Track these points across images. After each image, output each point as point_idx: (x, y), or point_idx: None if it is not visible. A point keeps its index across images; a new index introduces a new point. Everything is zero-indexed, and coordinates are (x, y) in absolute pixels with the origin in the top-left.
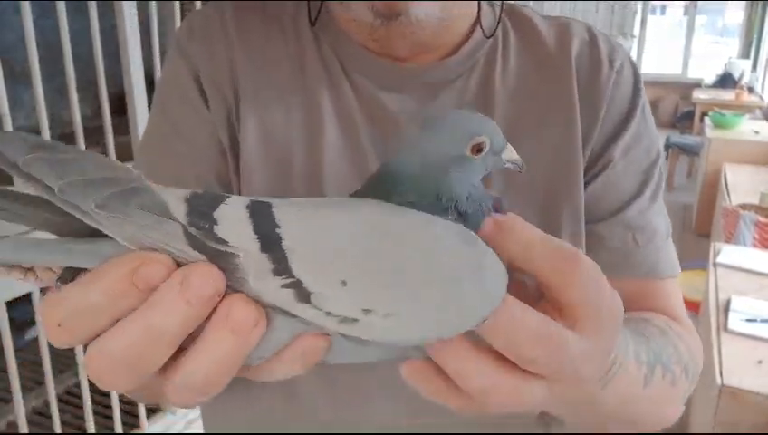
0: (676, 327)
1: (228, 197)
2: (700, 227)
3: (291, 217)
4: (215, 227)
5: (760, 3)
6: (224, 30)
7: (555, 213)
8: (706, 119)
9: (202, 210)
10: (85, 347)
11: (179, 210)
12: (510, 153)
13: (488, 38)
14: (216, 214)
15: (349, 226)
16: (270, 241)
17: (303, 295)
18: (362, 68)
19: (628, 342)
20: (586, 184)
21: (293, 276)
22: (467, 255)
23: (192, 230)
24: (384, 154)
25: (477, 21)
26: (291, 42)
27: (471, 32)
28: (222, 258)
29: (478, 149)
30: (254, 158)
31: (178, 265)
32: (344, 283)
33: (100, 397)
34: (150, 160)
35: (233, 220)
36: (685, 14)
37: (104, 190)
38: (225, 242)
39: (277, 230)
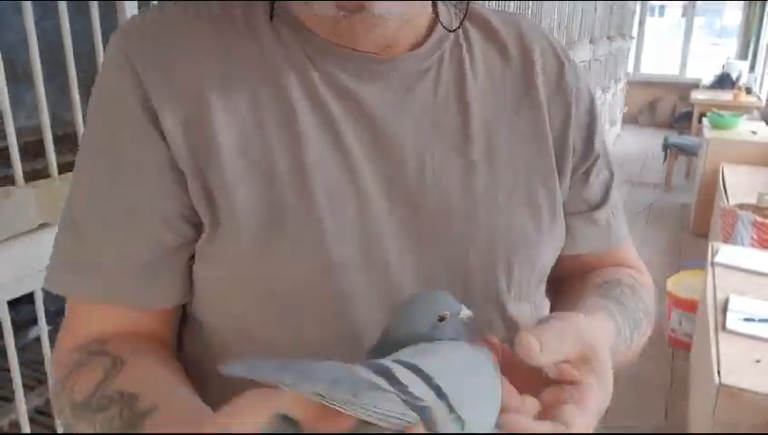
0: (638, 277)
1: (392, 364)
2: (698, 228)
3: (432, 369)
4: (409, 388)
5: (758, 3)
6: (173, 35)
7: (534, 195)
8: (704, 119)
9: (395, 378)
10: None
11: (383, 382)
12: (464, 312)
13: (451, 32)
14: (402, 379)
15: (456, 368)
16: (439, 392)
17: (460, 422)
18: (334, 62)
19: (620, 328)
20: (583, 175)
21: (456, 412)
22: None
23: (405, 396)
24: (368, 150)
25: (436, 16)
26: (250, 41)
27: (432, 27)
28: (424, 412)
29: (443, 317)
30: (234, 172)
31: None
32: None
33: None
34: (96, 195)
35: (413, 382)
36: (683, 15)
37: (346, 385)
38: (422, 399)
39: (435, 382)
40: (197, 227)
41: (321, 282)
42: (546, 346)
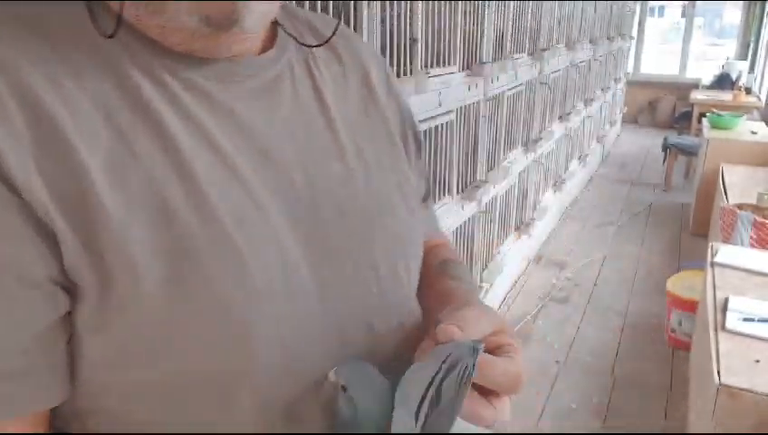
0: (452, 248)
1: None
2: (698, 227)
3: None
4: None
5: (758, 4)
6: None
7: (404, 191)
8: (704, 119)
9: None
10: None
11: None
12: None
13: (291, 36)
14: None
15: None
16: None
17: None
18: (192, 69)
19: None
20: (414, 170)
21: None
22: None
23: None
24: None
25: (276, 22)
26: (97, 59)
27: (273, 33)
28: None
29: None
30: (117, 210)
31: None
32: None
33: None
34: None
35: None
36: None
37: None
38: None
39: None
40: (72, 297)
41: (248, 311)
42: (467, 330)
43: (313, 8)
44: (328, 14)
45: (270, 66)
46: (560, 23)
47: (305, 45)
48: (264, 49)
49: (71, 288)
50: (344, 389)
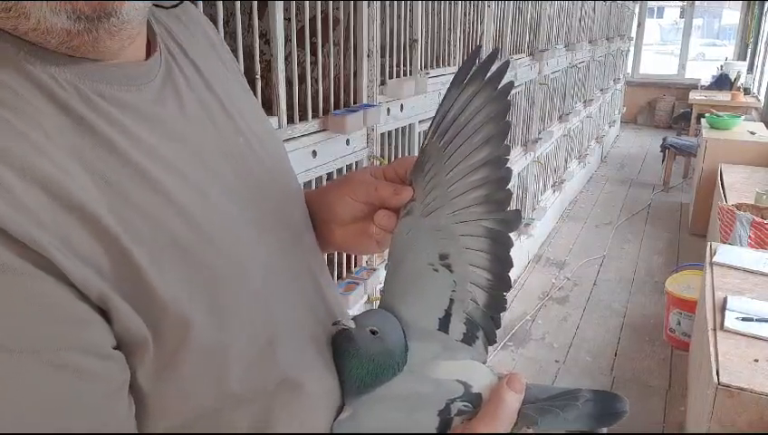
0: None
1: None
2: (696, 228)
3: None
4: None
5: (756, 4)
6: None
7: (270, 134)
8: (703, 120)
9: None
10: None
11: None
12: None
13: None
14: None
15: None
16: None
17: None
18: (90, 75)
19: None
20: None
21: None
22: None
23: None
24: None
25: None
26: (33, 104)
27: (149, 31)
28: None
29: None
30: (154, 272)
31: None
32: None
33: None
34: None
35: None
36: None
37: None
38: None
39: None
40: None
41: (257, 292)
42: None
43: (313, 9)
44: (328, 14)
45: (161, 66)
46: (561, 25)
47: (160, 6)
48: (148, 52)
49: (128, 350)
50: (373, 332)
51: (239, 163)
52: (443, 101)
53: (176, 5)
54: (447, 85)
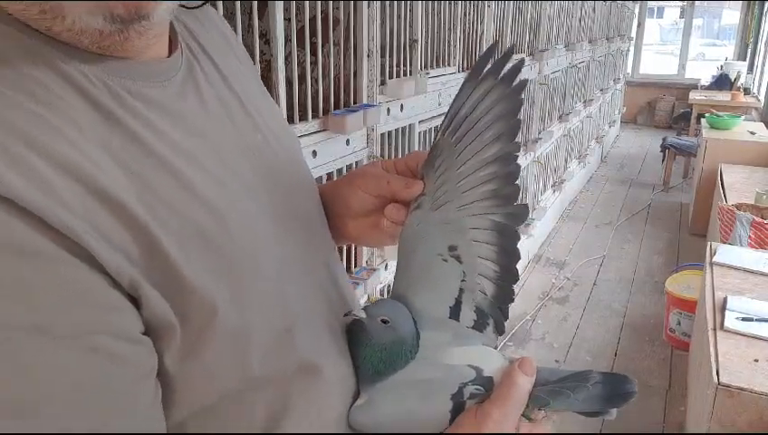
0: None
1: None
2: (696, 228)
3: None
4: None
5: (756, 4)
6: None
7: (286, 131)
8: (703, 120)
9: None
10: None
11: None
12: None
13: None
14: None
15: None
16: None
17: None
18: (119, 72)
19: None
20: None
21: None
22: None
23: None
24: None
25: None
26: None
27: (171, 30)
28: None
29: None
30: (182, 260)
31: None
32: None
33: None
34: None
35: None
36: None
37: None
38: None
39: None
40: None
41: (274, 282)
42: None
43: (313, 9)
44: (328, 14)
45: (182, 63)
46: (562, 25)
47: (186, 7)
48: (170, 49)
49: (156, 335)
50: (385, 322)
51: (257, 159)
52: (456, 97)
53: (200, 6)
54: (447, 85)
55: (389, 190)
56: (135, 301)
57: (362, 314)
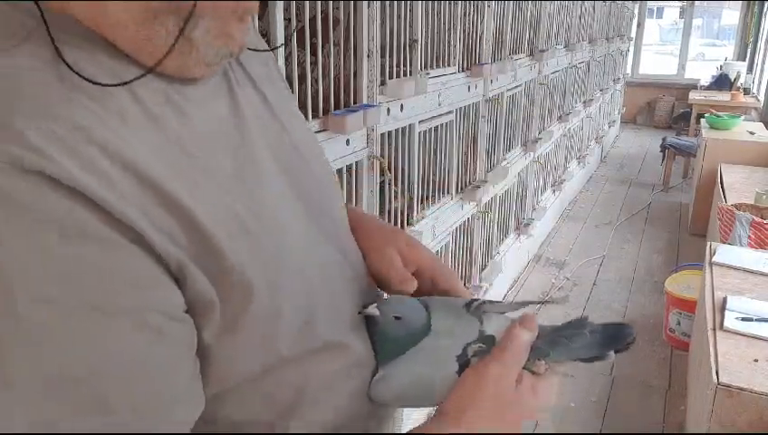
0: None
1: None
2: (696, 228)
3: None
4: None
5: (756, 4)
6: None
7: (314, 142)
8: (702, 120)
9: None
10: None
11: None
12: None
13: None
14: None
15: None
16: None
17: None
18: (174, 79)
19: None
20: None
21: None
22: None
23: None
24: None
25: None
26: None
27: None
28: None
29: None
30: (225, 242)
31: None
32: None
33: None
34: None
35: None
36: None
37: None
38: None
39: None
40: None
41: (307, 256)
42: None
43: (313, 9)
44: (328, 14)
45: (218, 73)
46: (561, 24)
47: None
48: None
49: (197, 312)
50: (397, 318)
51: (282, 154)
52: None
53: (269, 51)
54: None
55: (386, 276)
56: (178, 281)
57: (375, 312)
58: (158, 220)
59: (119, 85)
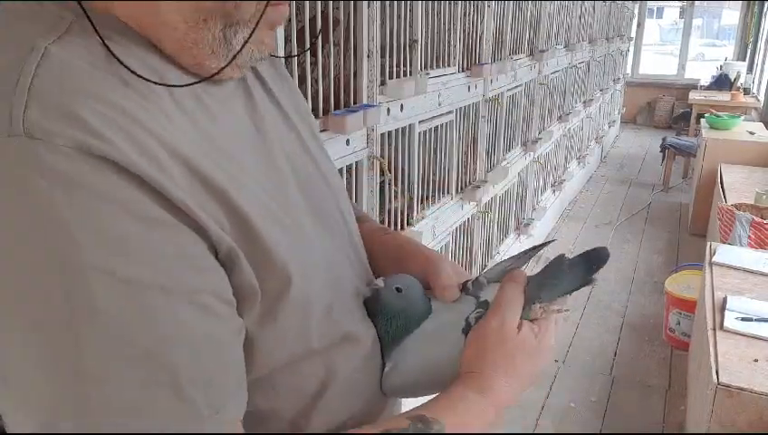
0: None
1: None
2: (696, 228)
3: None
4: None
5: (756, 4)
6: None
7: (324, 153)
8: (702, 120)
9: None
10: None
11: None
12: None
13: None
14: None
15: None
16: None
17: None
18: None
19: None
20: None
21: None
22: None
23: None
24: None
25: None
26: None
27: None
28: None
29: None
30: (267, 233)
31: None
32: None
33: None
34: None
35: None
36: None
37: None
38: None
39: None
40: (241, 304)
41: (317, 263)
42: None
43: (313, 9)
44: (328, 14)
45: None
46: (561, 24)
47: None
48: None
49: (240, 299)
50: (399, 290)
51: (298, 160)
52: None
53: (296, 55)
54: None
55: (431, 281)
56: (226, 268)
57: (381, 284)
58: (209, 209)
59: (176, 87)
